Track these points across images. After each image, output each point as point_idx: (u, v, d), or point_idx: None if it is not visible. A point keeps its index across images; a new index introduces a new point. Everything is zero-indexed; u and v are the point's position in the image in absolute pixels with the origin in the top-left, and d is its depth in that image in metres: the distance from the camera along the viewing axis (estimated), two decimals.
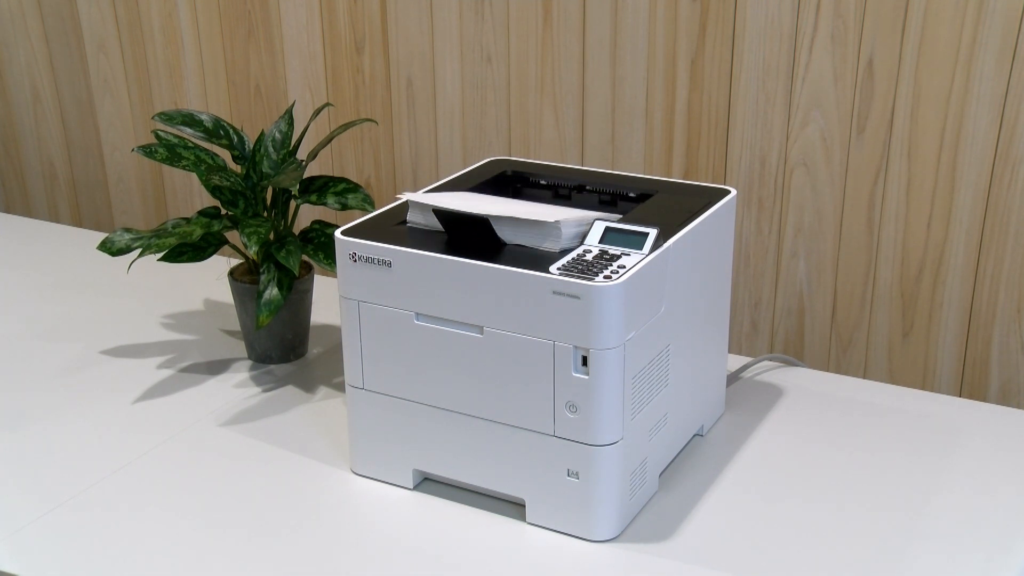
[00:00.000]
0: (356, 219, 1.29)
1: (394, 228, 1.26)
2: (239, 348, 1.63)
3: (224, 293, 1.82)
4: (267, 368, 1.58)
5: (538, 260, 1.15)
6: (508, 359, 1.16)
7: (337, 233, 1.24)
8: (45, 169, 2.38)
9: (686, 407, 1.32)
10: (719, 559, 1.16)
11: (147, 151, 1.49)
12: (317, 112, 1.56)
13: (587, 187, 1.40)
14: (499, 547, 1.19)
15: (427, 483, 1.29)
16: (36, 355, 1.63)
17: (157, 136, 1.53)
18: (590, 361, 1.12)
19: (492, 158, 1.49)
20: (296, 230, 1.56)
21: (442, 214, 1.22)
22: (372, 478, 1.31)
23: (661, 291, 1.19)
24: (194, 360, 1.61)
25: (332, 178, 1.51)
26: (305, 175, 1.53)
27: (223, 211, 1.52)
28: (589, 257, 1.16)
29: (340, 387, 1.52)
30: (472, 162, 1.85)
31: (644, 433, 1.22)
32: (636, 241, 1.18)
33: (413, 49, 1.86)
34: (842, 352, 1.68)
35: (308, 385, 1.53)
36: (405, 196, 1.28)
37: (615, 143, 1.74)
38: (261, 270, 1.47)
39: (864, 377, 1.66)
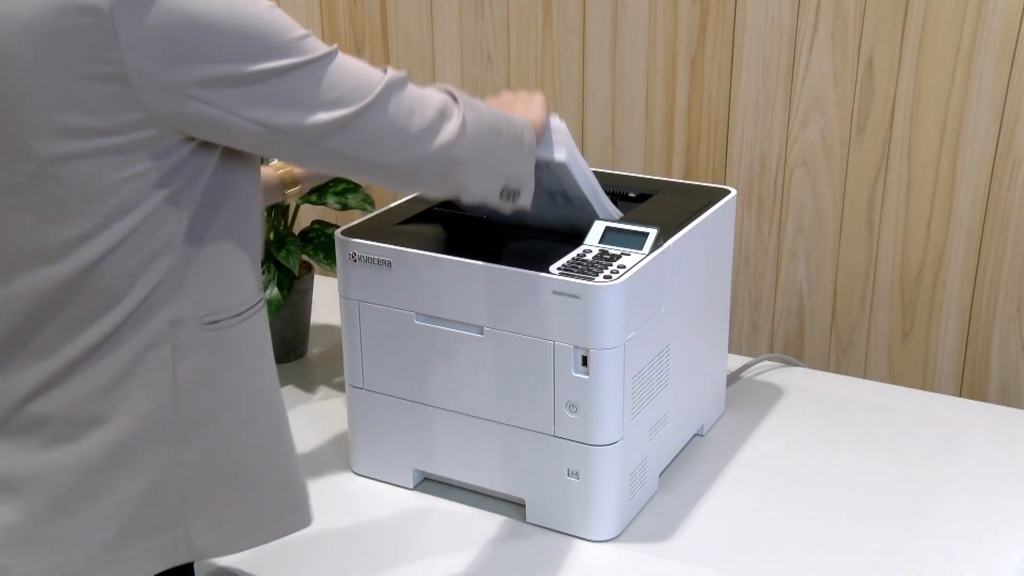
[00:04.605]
0: (356, 219, 1.29)
1: (394, 228, 1.25)
2: None
3: None
4: None
5: (538, 260, 1.15)
6: (508, 359, 1.16)
7: (337, 233, 1.24)
8: None
9: (686, 407, 1.32)
10: (719, 559, 1.16)
11: None
12: None
13: None
14: (499, 547, 1.19)
15: (427, 483, 1.29)
16: None
17: None
18: (590, 361, 1.12)
19: None
20: (296, 230, 1.56)
21: (442, 214, 1.22)
22: (372, 478, 1.31)
23: (661, 291, 1.19)
24: None
25: (332, 178, 1.51)
26: None
27: None
28: (589, 257, 1.15)
29: (340, 387, 1.51)
30: None
31: (644, 433, 1.22)
32: (636, 241, 1.18)
33: (413, 49, 1.86)
34: (842, 352, 1.68)
35: (308, 385, 1.53)
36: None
37: (615, 143, 1.74)
38: (261, 270, 1.47)
39: (864, 377, 1.66)
